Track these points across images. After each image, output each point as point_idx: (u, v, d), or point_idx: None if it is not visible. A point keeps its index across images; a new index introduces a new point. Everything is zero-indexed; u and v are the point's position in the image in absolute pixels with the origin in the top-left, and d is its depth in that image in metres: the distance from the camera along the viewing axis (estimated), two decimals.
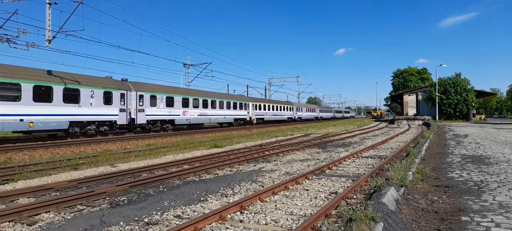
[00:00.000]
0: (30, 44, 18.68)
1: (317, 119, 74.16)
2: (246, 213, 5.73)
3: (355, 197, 6.72)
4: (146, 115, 24.34)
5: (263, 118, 44.88)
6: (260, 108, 44.01)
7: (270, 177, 9.10)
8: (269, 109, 47.06)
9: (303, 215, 5.68)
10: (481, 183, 7.78)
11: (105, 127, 21.58)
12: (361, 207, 5.54)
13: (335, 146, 17.42)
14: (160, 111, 25.80)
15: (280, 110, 51.50)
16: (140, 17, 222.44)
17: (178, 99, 27.95)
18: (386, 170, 8.90)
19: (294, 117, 57.28)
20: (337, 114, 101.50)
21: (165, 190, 7.70)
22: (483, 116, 70.64)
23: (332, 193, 7.15)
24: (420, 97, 66.68)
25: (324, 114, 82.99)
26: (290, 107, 56.06)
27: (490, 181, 7.98)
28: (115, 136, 21.94)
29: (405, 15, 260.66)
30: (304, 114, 64.21)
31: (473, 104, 58.71)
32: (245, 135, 25.12)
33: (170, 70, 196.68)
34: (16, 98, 16.50)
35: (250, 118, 39.80)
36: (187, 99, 29.32)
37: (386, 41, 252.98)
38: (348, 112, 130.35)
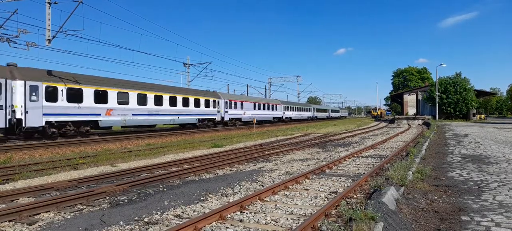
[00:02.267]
0: (30, 44, 18.68)
1: (281, 121, 51.35)
2: (246, 213, 5.73)
3: (355, 196, 6.72)
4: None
5: (131, 119, 22.68)
6: (122, 102, 21.89)
7: (270, 176, 9.10)
8: (143, 104, 23.83)
9: (303, 214, 5.68)
10: (481, 183, 7.78)
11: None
12: (361, 207, 5.54)
13: (335, 146, 17.42)
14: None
15: (188, 105, 29.20)
16: (140, 17, 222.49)
17: None
18: (386, 170, 8.90)
19: (221, 116, 34.63)
20: (319, 114, 76.01)
21: (165, 189, 7.69)
22: (483, 116, 70.67)
23: (332, 193, 7.15)
24: (420, 97, 66.67)
25: (295, 114, 58.08)
26: (214, 101, 33.42)
27: (490, 181, 7.98)
28: (113, 135, 22.05)
29: (405, 15, 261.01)
30: (249, 113, 40.26)
31: (473, 104, 58.73)
32: (245, 135, 25.13)
33: (170, 70, 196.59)
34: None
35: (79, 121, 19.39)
36: None
37: (386, 41, 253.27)
38: (336, 111, 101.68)
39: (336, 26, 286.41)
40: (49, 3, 19.07)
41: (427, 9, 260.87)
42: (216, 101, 34.05)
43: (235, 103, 37.71)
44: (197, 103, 30.95)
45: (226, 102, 35.83)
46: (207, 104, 32.50)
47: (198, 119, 31.29)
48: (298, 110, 60.13)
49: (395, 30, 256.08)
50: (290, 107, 56.61)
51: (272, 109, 48.53)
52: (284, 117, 52.72)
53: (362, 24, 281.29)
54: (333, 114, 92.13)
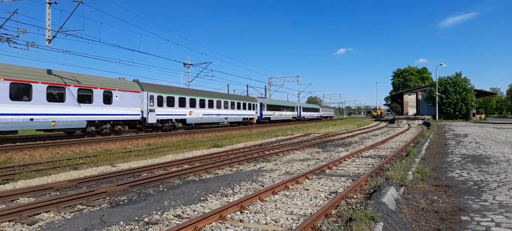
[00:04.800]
0: (30, 44, 18.66)
1: (154, 127, 25.37)
2: (246, 213, 5.73)
3: (355, 196, 6.72)
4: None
5: None
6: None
7: (270, 176, 9.10)
8: None
9: (303, 214, 5.68)
10: (481, 183, 7.78)
11: None
12: (361, 207, 5.54)
13: (335, 146, 17.41)
14: None
15: None
16: (140, 17, 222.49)
17: None
18: (386, 170, 8.90)
19: None
20: (277, 114, 49.27)
21: (165, 189, 7.69)
22: (483, 116, 70.63)
23: (332, 193, 7.15)
24: (420, 97, 66.68)
25: (205, 114, 31.31)
26: None
27: (490, 181, 7.98)
28: (117, 135, 22.12)
29: (405, 15, 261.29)
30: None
31: (473, 104, 58.69)
32: (245, 135, 25.12)
33: (170, 70, 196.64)
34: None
35: None
36: None
37: (386, 41, 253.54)
38: (315, 110, 71.25)
39: (336, 26, 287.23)
40: (49, 3, 19.06)
41: (427, 9, 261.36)
42: None
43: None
44: None
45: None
46: None
47: None
48: (215, 107, 32.94)
49: (395, 30, 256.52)
50: (184, 100, 28.42)
51: (109, 102, 21.47)
52: (152, 119, 24.75)
53: (362, 24, 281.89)
54: (306, 114, 61.02)
